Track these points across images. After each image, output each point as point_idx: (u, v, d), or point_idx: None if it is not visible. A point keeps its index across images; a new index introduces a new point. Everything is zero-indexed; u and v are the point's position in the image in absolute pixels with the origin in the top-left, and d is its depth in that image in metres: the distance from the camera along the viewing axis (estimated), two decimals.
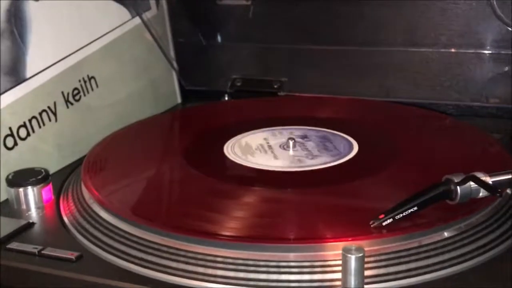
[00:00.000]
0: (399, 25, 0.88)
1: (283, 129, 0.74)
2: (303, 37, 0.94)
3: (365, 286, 0.44)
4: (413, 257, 0.49)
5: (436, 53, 0.86)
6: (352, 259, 0.42)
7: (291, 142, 0.68)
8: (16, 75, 0.67)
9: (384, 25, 0.89)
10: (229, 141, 0.71)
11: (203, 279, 0.48)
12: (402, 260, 0.48)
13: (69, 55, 0.74)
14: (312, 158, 0.65)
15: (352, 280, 0.42)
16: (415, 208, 0.51)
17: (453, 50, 0.86)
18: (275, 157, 0.66)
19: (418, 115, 0.80)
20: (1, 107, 0.65)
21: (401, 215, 0.50)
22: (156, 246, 0.51)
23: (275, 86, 0.95)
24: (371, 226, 0.50)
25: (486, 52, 0.84)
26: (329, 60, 0.93)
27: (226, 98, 0.95)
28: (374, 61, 0.90)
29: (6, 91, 0.66)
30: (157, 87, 0.92)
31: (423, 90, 0.88)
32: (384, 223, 0.50)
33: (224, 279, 0.48)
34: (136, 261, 0.51)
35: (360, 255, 0.42)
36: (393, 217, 0.50)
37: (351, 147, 0.68)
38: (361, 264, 0.42)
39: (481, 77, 0.85)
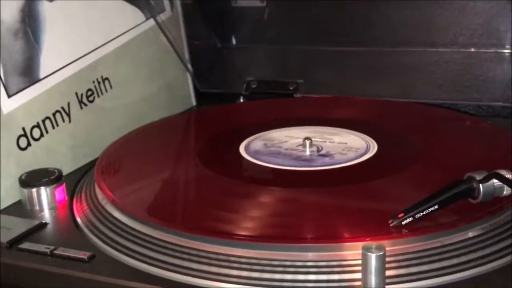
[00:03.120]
0: (418, 25, 0.86)
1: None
2: (319, 38, 0.92)
3: (386, 286, 0.42)
4: (435, 258, 0.47)
5: (455, 53, 0.85)
6: (373, 258, 0.40)
7: (307, 142, 0.67)
8: (30, 75, 0.67)
9: (402, 25, 0.87)
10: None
11: (218, 279, 0.47)
12: (423, 260, 0.47)
13: (83, 55, 0.74)
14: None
15: (373, 280, 0.41)
16: (436, 207, 0.49)
17: (473, 49, 0.84)
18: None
19: (438, 115, 0.79)
20: (15, 107, 0.64)
21: (421, 214, 0.49)
22: (170, 246, 0.50)
23: (291, 88, 0.93)
24: (390, 225, 0.49)
25: (507, 51, 0.83)
26: (346, 61, 0.91)
27: (242, 101, 0.94)
28: (392, 62, 0.88)
29: (19, 91, 0.65)
30: (171, 90, 0.91)
31: (443, 90, 0.86)
32: (403, 222, 0.49)
33: (240, 279, 0.47)
34: (149, 261, 0.50)
35: (381, 253, 0.41)
36: (413, 216, 0.49)
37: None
38: (382, 262, 0.41)
39: (502, 77, 0.83)
